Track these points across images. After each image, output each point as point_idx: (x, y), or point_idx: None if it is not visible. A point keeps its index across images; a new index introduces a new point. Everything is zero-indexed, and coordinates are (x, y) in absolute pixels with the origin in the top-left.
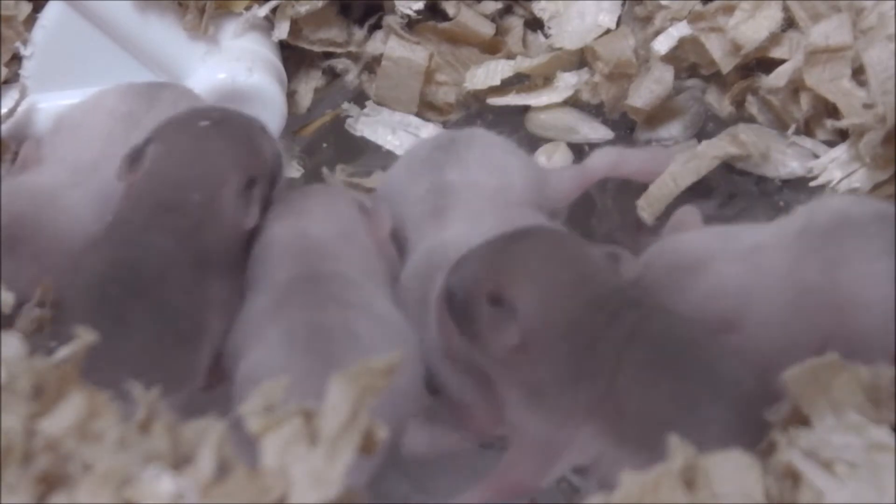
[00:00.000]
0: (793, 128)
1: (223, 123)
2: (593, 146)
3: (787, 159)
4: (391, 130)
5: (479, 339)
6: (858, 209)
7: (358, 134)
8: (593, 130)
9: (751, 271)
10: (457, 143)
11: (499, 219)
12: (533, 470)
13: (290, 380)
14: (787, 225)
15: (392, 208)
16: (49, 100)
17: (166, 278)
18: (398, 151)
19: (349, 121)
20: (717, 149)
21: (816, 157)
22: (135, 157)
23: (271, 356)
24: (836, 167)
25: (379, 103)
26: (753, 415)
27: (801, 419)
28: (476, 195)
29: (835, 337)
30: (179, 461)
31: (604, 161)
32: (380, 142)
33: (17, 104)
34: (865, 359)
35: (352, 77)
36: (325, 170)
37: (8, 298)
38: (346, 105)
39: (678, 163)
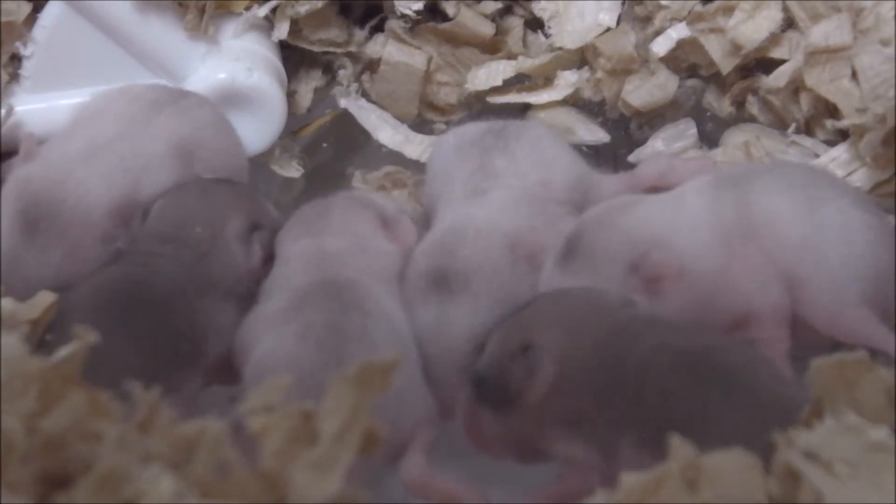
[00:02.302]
0: (793, 126)
1: (228, 181)
2: (591, 147)
3: (790, 158)
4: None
5: (516, 394)
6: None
7: (342, 106)
8: (590, 133)
9: (676, 207)
10: (509, 130)
11: (533, 211)
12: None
13: (299, 373)
14: (701, 179)
15: (432, 185)
16: (49, 100)
17: (168, 300)
18: (389, 144)
19: (337, 89)
20: (729, 157)
21: (817, 156)
22: (146, 211)
23: (285, 348)
24: (836, 166)
25: (378, 106)
26: (774, 410)
27: (818, 414)
28: (518, 185)
29: (752, 261)
30: (179, 461)
31: (654, 169)
32: (368, 127)
33: (3, 123)
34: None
35: (350, 75)
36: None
37: (8, 304)
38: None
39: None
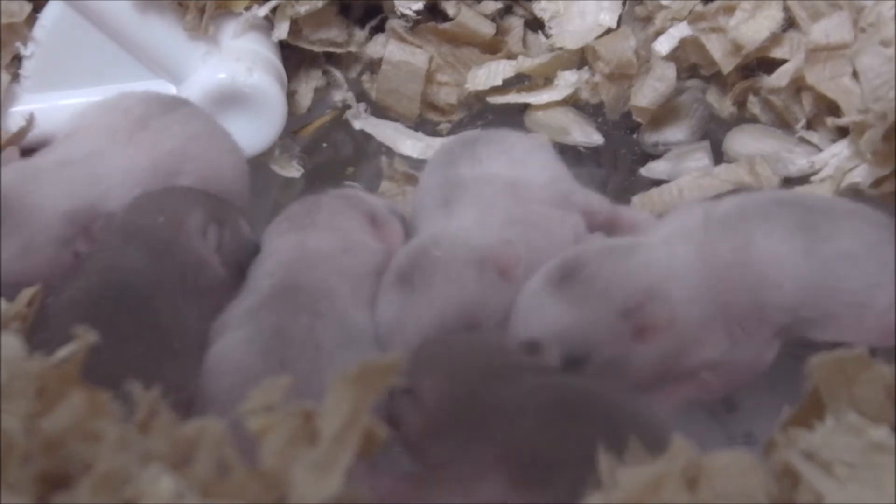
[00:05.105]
0: (803, 121)
1: (193, 189)
2: (590, 148)
3: (795, 157)
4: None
5: (400, 429)
6: (753, 198)
7: (357, 128)
8: (584, 135)
9: (669, 254)
10: (477, 140)
11: (508, 212)
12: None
13: (243, 376)
14: (690, 219)
15: (414, 200)
16: (49, 100)
17: (143, 291)
18: (413, 153)
19: (349, 112)
20: (732, 174)
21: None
22: (112, 216)
23: (232, 350)
24: (836, 162)
25: (380, 105)
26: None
27: (816, 410)
28: (487, 189)
29: (749, 311)
30: (179, 461)
31: (628, 217)
32: (379, 137)
33: (24, 132)
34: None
35: (347, 77)
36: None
37: (8, 307)
38: (348, 95)
39: (690, 175)
